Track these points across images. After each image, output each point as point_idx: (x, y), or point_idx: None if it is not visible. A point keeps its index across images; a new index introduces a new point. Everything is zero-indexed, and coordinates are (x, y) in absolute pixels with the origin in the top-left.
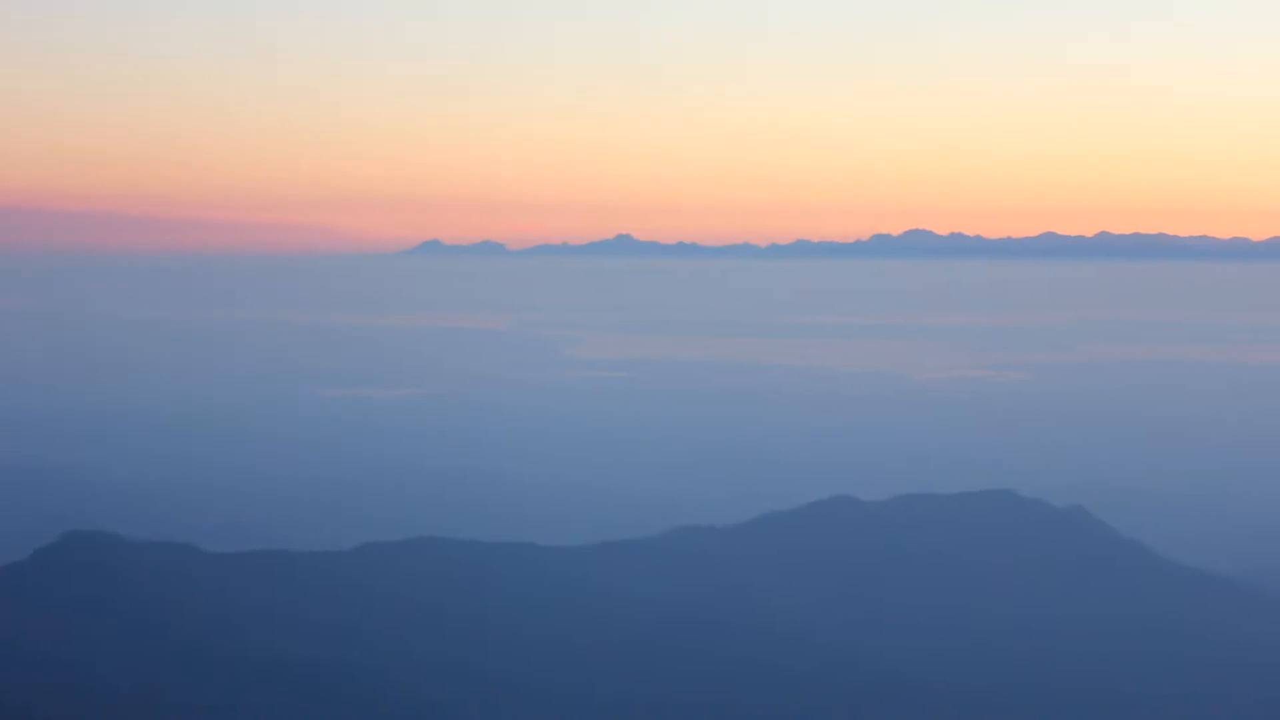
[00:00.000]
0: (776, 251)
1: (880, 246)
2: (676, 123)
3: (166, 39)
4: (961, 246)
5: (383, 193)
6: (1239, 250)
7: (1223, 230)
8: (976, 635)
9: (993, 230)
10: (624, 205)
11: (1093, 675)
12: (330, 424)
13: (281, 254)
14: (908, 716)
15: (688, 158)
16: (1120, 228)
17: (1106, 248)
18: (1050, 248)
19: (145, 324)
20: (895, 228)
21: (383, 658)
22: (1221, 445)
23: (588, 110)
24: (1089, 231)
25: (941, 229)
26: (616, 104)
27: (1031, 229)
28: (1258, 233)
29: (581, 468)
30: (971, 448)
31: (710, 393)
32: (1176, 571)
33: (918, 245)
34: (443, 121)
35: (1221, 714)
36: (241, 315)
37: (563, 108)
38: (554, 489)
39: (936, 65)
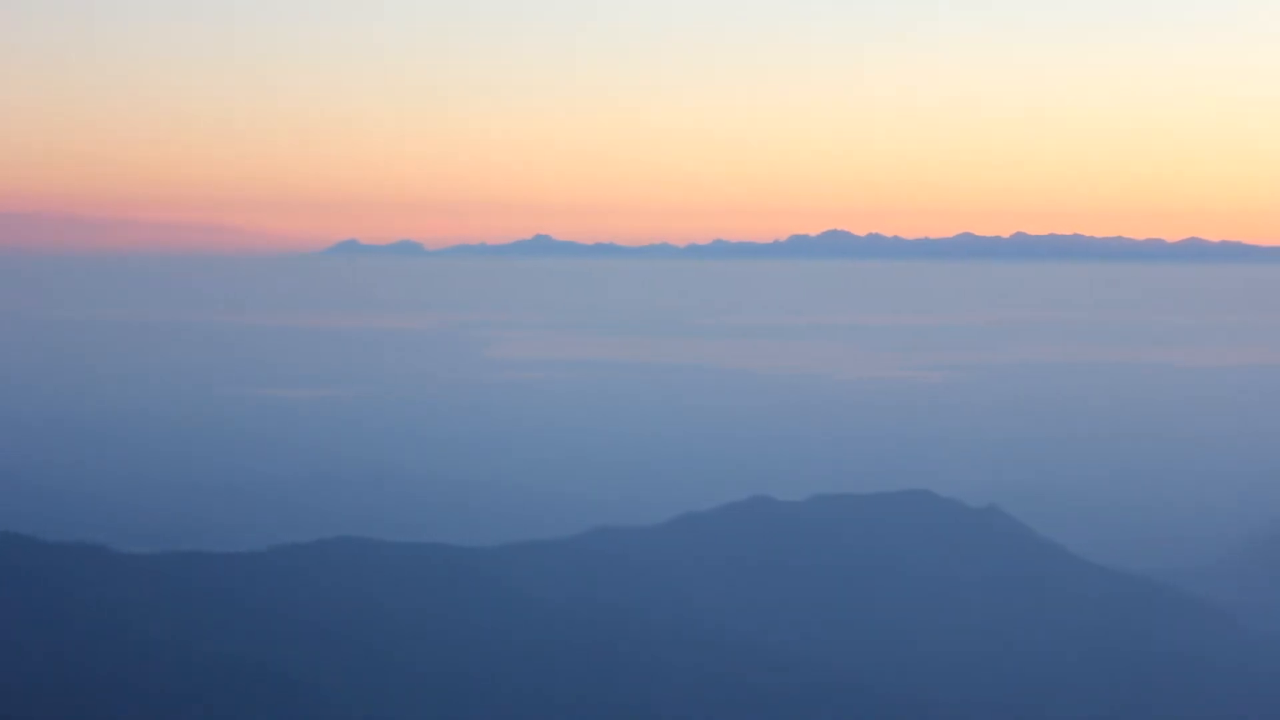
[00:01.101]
0: (695, 252)
1: (798, 247)
2: (595, 123)
3: (83, 38)
4: (879, 247)
5: (299, 192)
6: (1154, 251)
7: (1138, 232)
8: (894, 634)
9: (910, 231)
10: (542, 205)
11: (1008, 673)
12: (246, 424)
13: (196, 254)
14: (826, 716)
15: (606, 158)
16: (1036, 229)
17: (1023, 248)
18: (967, 248)
19: (58, 324)
20: (813, 228)
21: (297, 658)
22: (1136, 445)
23: (506, 110)
24: (1005, 232)
25: (859, 230)
26: (535, 104)
27: (948, 230)
28: (1172, 234)
29: (499, 468)
30: (889, 448)
31: (628, 393)
32: (1092, 571)
33: (836, 246)
34: (360, 121)
35: (1140, 710)
36: (156, 315)
37: (481, 108)
38: (471, 489)
39: (853, 67)
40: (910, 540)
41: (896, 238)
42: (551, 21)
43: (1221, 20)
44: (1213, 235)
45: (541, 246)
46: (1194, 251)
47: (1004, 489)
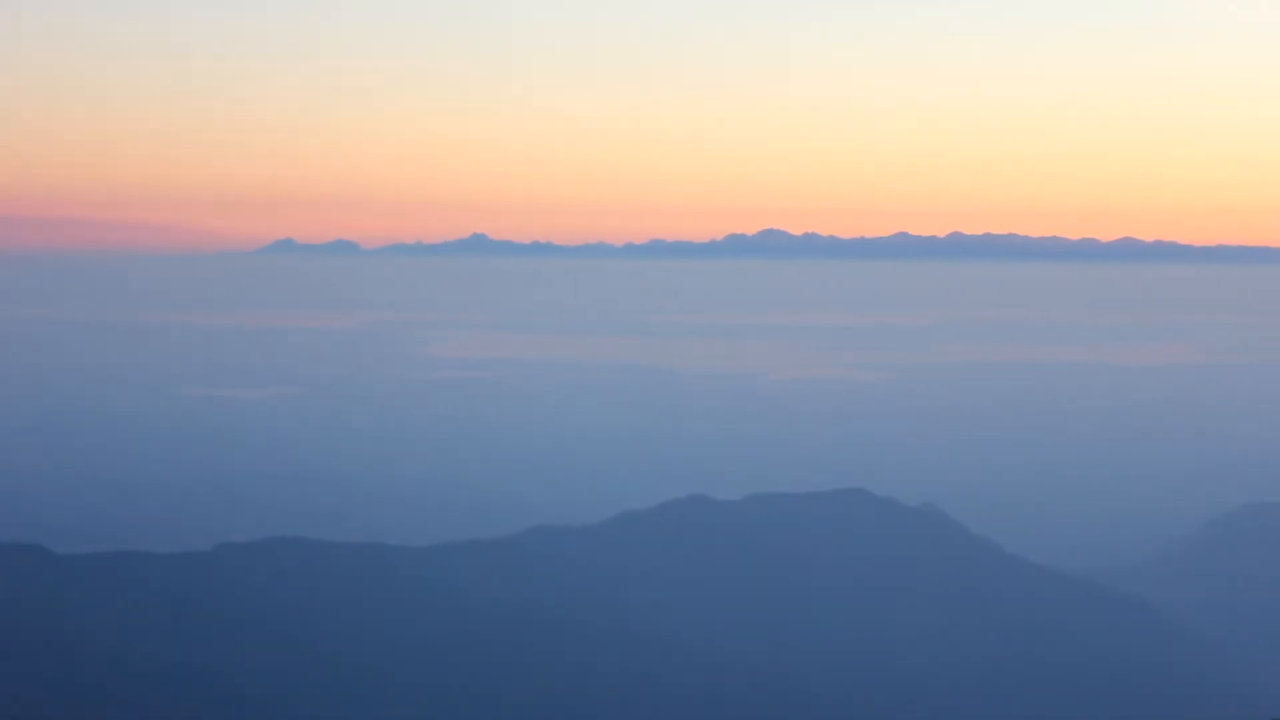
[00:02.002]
0: (631, 251)
1: (735, 246)
2: (531, 122)
3: (16, 33)
4: (815, 246)
5: (234, 191)
6: (1088, 251)
7: (1073, 231)
8: (830, 632)
9: (847, 230)
10: (478, 204)
11: (944, 669)
12: (184, 424)
13: (130, 252)
14: (760, 715)
15: (542, 157)
16: (972, 228)
17: (959, 248)
18: (903, 248)
19: None
20: (749, 227)
21: (238, 657)
22: (1071, 445)
23: (442, 109)
24: (941, 232)
25: (795, 229)
26: (470, 102)
27: (885, 229)
28: (1106, 233)
29: (436, 468)
30: (825, 447)
31: (565, 392)
32: (1026, 569)
33: (772, 245)
34: (295, 119)
35: (1073, 708)
36: (89, 315)
37: (416, 106)
38: (408, 488)
39: (789, 66)
40: (847, 539)
41: (833, 237)
42: (486, 21)
43: (1155, 22)
44: (1147, 235)
45: (478, 245)
46: (1128, 251)
47: (940, 488)
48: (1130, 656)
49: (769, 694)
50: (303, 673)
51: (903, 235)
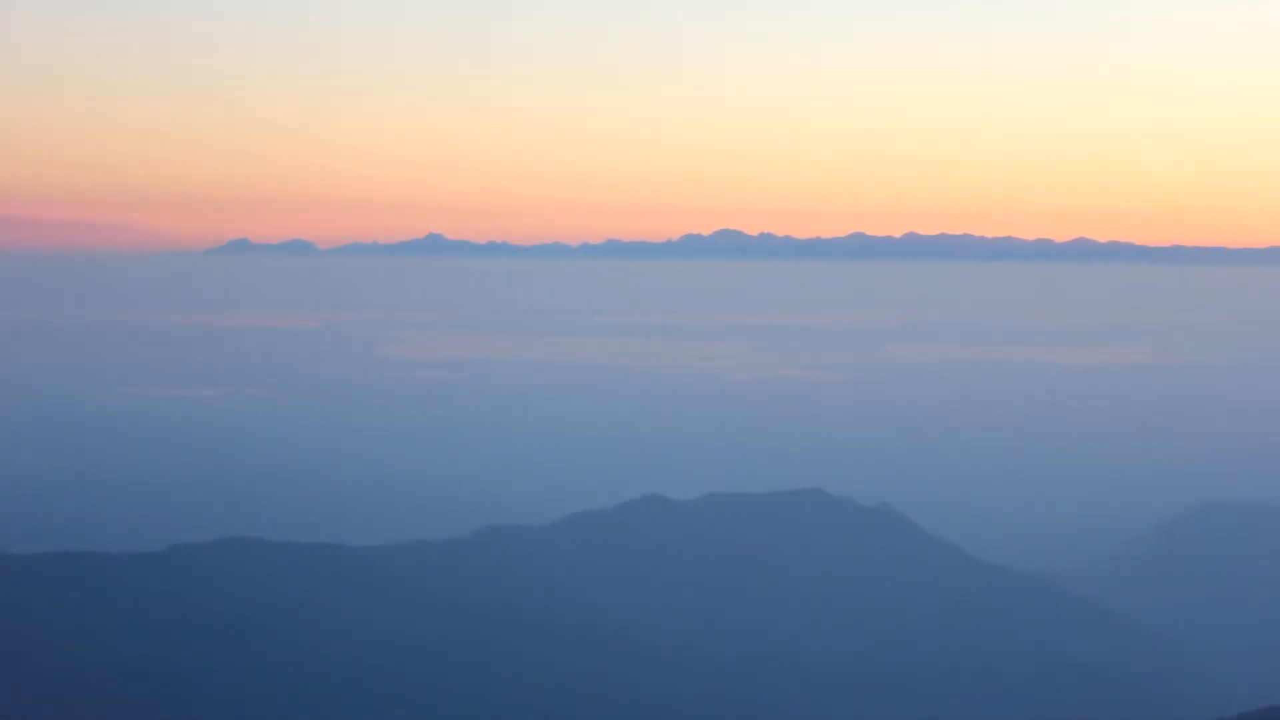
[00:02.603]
0: (588, 251)
1: (691, 246)
2: (487, 122)
3: None
4: (771, 246)
5: (188, 190)
6: (1043, 251)
7: (1027, 232)
8: (786, 632)
9: (802, 230)
10: (434, 204)
11: (900, 669)
12: (139, 424)
13: (83, 252)
14: (716, 714)
15: (498, 157)
16: (927, 228)
17: (914, 248)
18: (859, 248)
19: None
20: (705, 227)
21: (192, 659)
22: (1026, 445)
23: (398, 108)
24: (897, 232)
25: (751, 229)
26: (427, 102)
27: (840, 229)
28: (1061, 234)
29: (392, 467)
30: (781, 447)
31: (521, 392)
32: (982, 568)
33: (728, 245)
34: (250, 118)
35: (1029, 709)
36: (43, 315)
37: (373, 106)
38: (362, 488)
39: (743, 66)
40: (803, 539)
41: (789, 237)
42: (440, 19)
43: (1107, 25)
44: (1101, 236)
45: (434, 245)
46: (1082, 251)
47: (896, 488)
48: (1085, 656)
49: (724, 694)
50: (257, 673)
51: (858, 235)
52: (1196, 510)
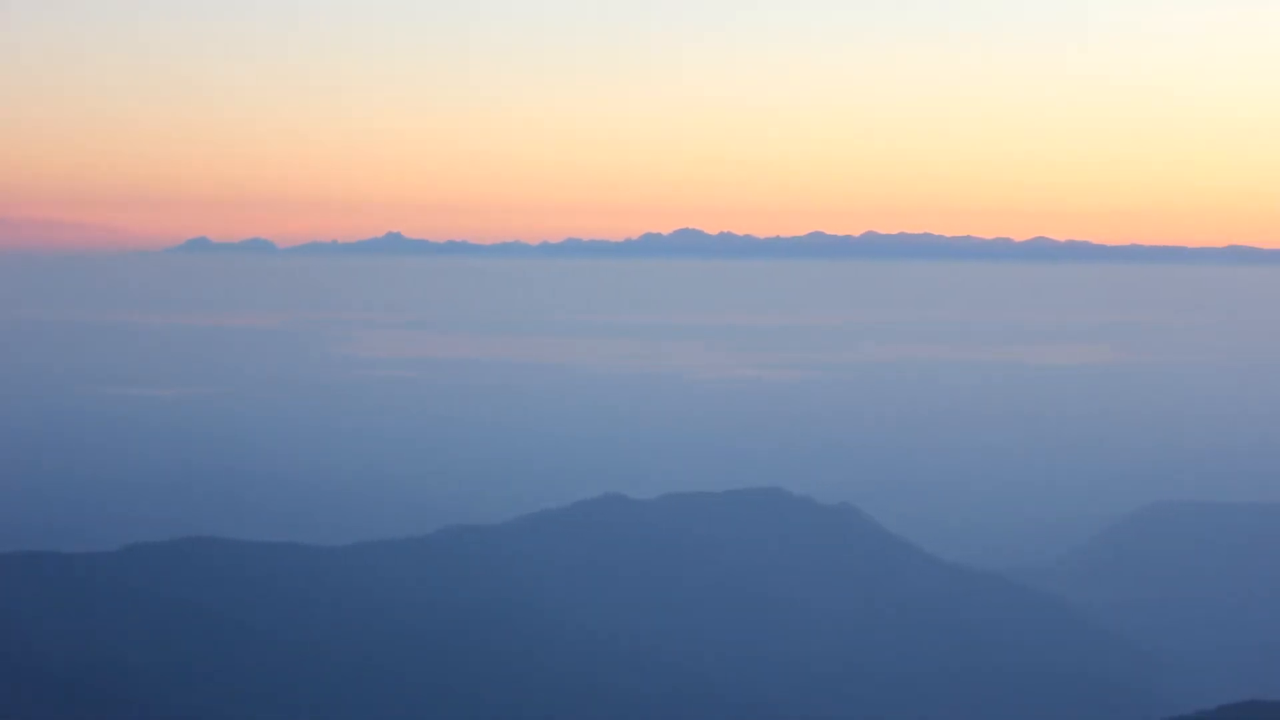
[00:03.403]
0: (547, 250)
1: (650, 245)
2: (445, 120)
3: None
4: (731, 246)
5: (147, 189)
6: (1001, 250)
7: (986, 231)
8: (746, 631)
9: (762, 229)
10: (393, 203)
11: (860, 668)
12: (97, 423)
13: (40, 251)
14: (675, 713)
15: (457, 155)
16: (886, 227)
17: (873, 247)
18: (818, 247)
19: None
20: (665, 227)
21: (151, 659)
22: (986, 443)
23: (357, 107)
24: (856, 231)
25: (711, 228)
26: (385, 100)
27: (800, 228)
28: (1020, 233)
29: (351, 467)
30: (741, 447)
31: (481, 391)
32: (941, 568)
33: (688, 244)
34: (208, 116)
35: (989, 707)
36: (1, 314)
37: (331, 104)
38: (323, 488)
39: (702, 65)
40: (763, 538)
41: (748, 236)
42: (398, 18)
43: (1067, 22)
44: (1060, 235)
45: (393, 244)
46: (1041, 251)
47: (856, 487)
48: (1044, 655)
49: (683, 692)
50: (218, 672)
51: (818, 235)
52: (1154, 509)
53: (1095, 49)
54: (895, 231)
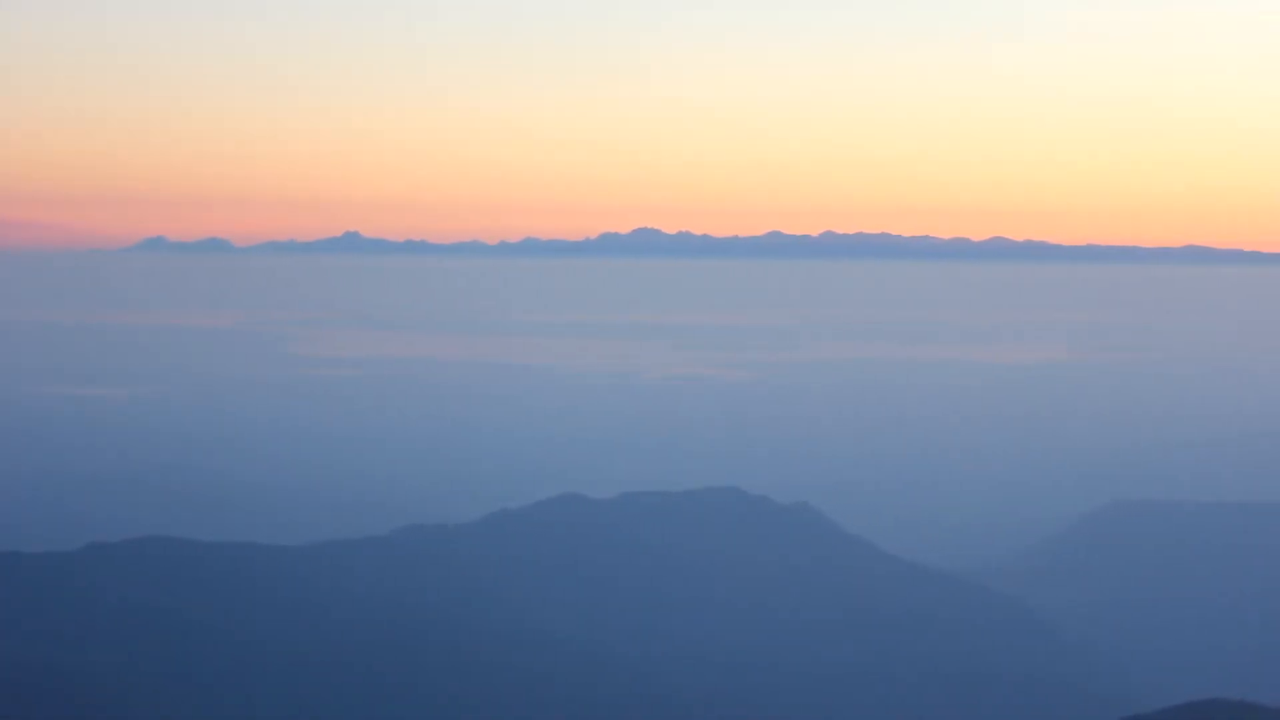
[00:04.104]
0: (506, 249)
1: (609, 245)
2: (404, 119)
3: None
4: (689, 245)
5: (103, 187)
6: (960, 250)
7: (944, 230)
8: (703, 630)
9: (720, 229)
10: (351, 202)
11: (816, 667)
12: (53, 423)
13: None
14: (632, 712)
15: (416, 155)
16: (844, 227)
17: (831, 247)
18: (776, 247)
19: None
20: (623, 226)
21: (108, 659)
22: (943, 443)
23: (313, 105)
24: (814, 231)
25: (669, 227)
26: (343, 99)
27: (758, 228)
28: (978, 233)
29: (309, 466)
30: (698, 446)
31: (439, 391)
32: (899, 566)
33: (646, 244)
34: (165, 115)
35: (944, 707)
36: None
37: (288, 103)
38: (281, 488)
39: (658, 64)
40: (720, 537)
41: (706, 236)
42: (357, 16)
43: (1021, 23)
44: (1017, 235)
45: (351, 244)
46: (999, 250)
47: (813, 486)
48: (1000, 655)
49: (639, 691)
50: (177, 673)
51: (775, 234)
52: (1110, 508)
53: (1051, 50)
54: (853, 231)
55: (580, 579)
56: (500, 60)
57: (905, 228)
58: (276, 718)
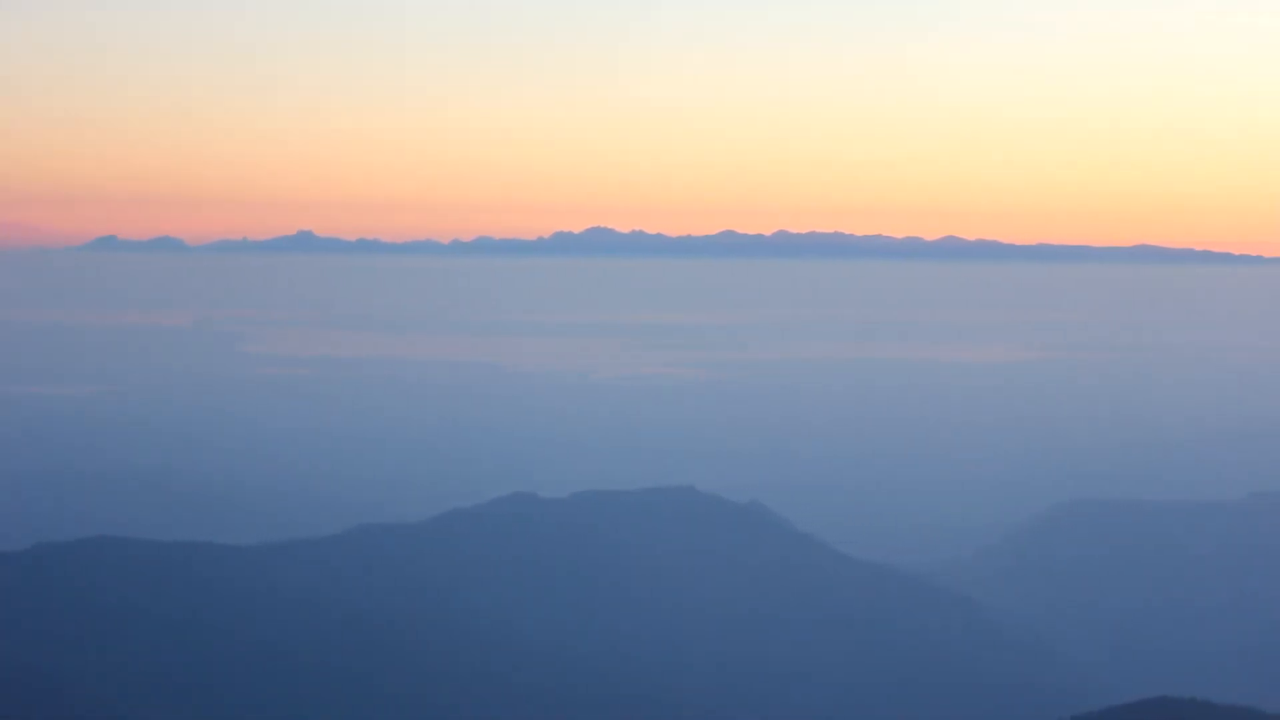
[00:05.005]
0: (459, 249)
1: (562, 244)
2: (358, 118)
3: None
4: (642, 244)
5: (54, 186)
6: (913, 249)
7: (897, 230)
8: (657, 628)
9: (673, 228)
10: (304, 201)
11: (768, 664)
12: (2, 422)
13: None
14: (584, 712)
15: (369, 153)
16: (798, 226)
17: (785, 246)
18: (730, 246)
19: None
20: (577, 225)
21: (59, 659)
22: (896, 441)
23: (266, 104)
24: (767, 230)
25: (623, 226)
26: (296, 97)
27: (711, 227)
28: (930, 232)
29: (262, 465)
30: (652, 445)
31: (391, 390)
32: (850, 565)
33: (599, 243)
34: (117, 112)
35: (895, 701)
36: None
37: (241, 102)
38: (233, 487)
39: (612, 65)
40: (673, 536)
41: (660, 235)
42: (308, 15)
43: (973, 24)
44: (970, 234)
45: (304, 242)
46: (951, 250)
47: (767, 485)
48: (950, 653)
49: (595, 688)
50: (120, 674)
51: (729, 233)
52: (1064, 506)
53: (1000, 50)
54: (806, 231)
55: (533, 578)
56: (454, 60)
57: (858, 227)
58: (226, 718)
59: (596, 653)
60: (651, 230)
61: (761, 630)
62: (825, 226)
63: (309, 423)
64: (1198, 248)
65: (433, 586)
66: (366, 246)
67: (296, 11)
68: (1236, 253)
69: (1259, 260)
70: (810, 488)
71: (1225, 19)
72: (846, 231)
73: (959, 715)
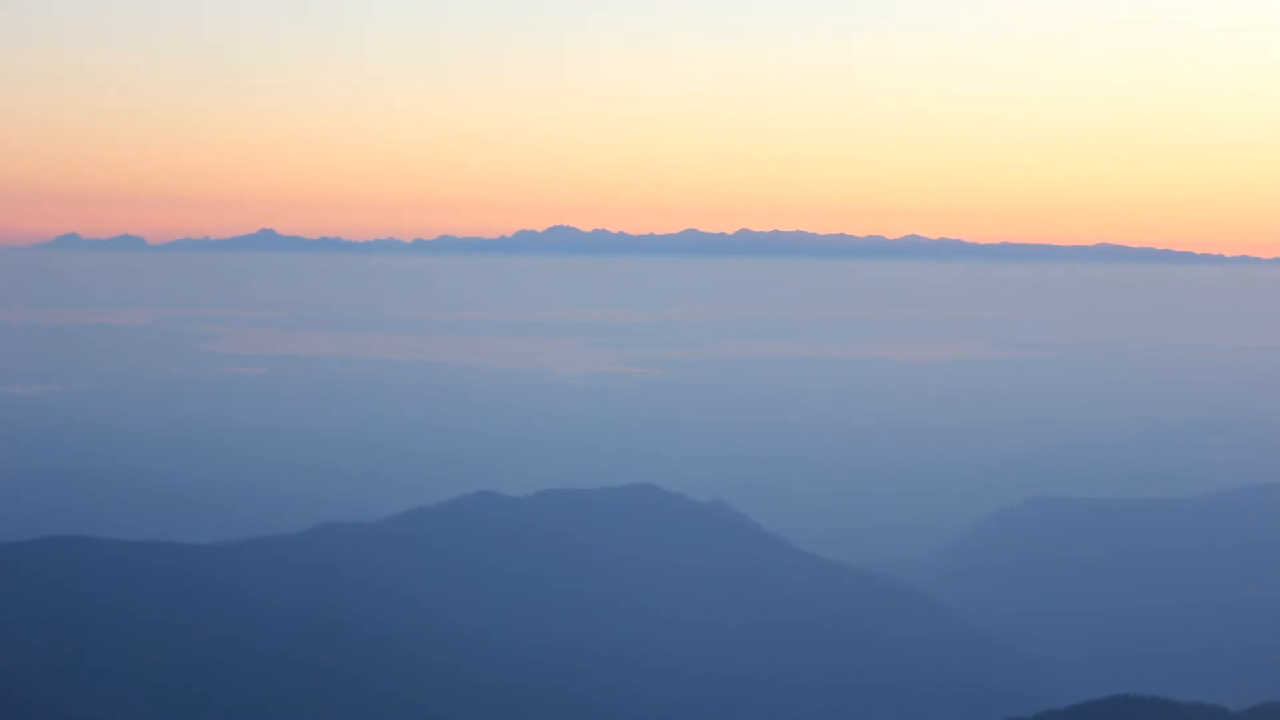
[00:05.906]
0: (421, 247)
1: (524, 243)
2: (320, 116)
3: None
4: (604, 243)
5: (15, 183)
6: (875, 248)
7: (859, 229)
8: (621, 628)
9: (636, 227)
10: (266, 199)
11: (732, 664)
12: None
13: None
14: (547, 709)
15: (331, 152)
16: (760, 225)
17: (747, 245)
18: (692, 244)
19: None
20: (539, 224)
21: (18, 659)
22: (858, 440)
23: (228, 102)
24: (730, 229)
25: (585, 225)
26: (258, 96)
27: (674, 226)
28: (892, 231)
29: (222, 465)
30: (614, 443)
31: (351, 389)
32: (814, 564)
33: (561, 241)
34: (78, 109)
35: (857, 701)
36: None
37: (202, 99)
38: (194, 487)
39: (573, 63)
40: (637, 534)
41: (622, 233)
42: (269, 14)
43: (932, 22)
44: (932, 233)
45: (265, 241)
46: (913, 249)
47: (730, 483)
48: (911, 651)
49: (554, 690)
50: (80, 674)
51: (692, 232)
52: (1025, 504)
53: (962, 49)
54: (769, 229)
55: (495, 576)
56: (415, 58)
57: (821, 226)
58: (187, 718)
59: (559, 651)
60: (614, 229)
61: (725, 629)
62: (788, 225)
63: (270, 421)
64: (1159, 247)
65: (395, 585)
66: (329, 245)
67: (259, 11)
68: (1198, 252)
69: (1220, 259)
70: (773, 486)
71: (1181, 17)
72: (809, 230)
73: (920, 714)
